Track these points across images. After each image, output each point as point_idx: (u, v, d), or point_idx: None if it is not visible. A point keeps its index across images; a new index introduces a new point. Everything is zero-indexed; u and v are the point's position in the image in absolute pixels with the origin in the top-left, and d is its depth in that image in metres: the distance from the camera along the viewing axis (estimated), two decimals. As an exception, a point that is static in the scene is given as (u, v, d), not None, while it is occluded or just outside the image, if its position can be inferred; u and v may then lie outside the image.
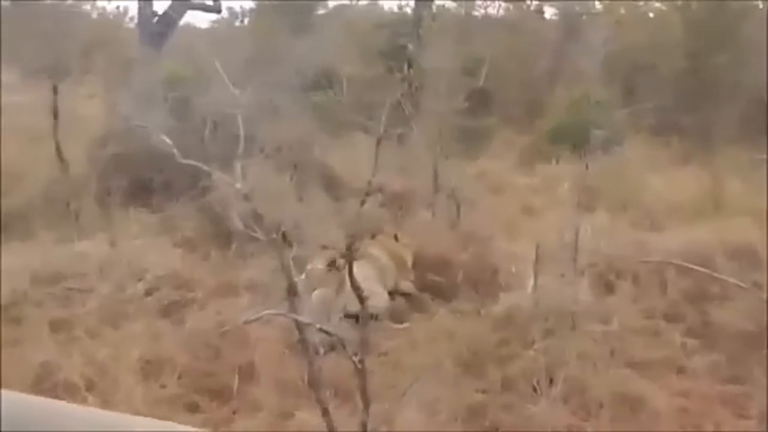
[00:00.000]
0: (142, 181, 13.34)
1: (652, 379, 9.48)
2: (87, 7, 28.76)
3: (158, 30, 19.34)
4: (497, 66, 20.80)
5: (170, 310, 10.30)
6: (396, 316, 11.10)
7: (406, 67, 14.17)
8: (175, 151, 6.90)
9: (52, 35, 15.29)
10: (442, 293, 11.59)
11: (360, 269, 11.79)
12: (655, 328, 10.84)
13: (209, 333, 9.57)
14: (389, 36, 17.79)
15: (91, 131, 14.22)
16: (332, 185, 14.36)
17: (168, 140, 6.97)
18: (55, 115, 12.77)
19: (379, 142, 8.38)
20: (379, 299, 11.10)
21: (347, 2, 29.81)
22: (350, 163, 15.87)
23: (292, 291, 6.41)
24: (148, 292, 10.55)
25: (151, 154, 13.13)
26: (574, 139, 17.86)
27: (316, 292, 11.20)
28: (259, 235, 6.27)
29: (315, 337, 6.67)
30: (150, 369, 8.52)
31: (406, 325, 10.82)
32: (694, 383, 9.63)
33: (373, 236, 12.30)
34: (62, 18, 18.60)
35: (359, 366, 6.06)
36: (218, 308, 10.36)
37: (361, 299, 6.60)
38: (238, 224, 6.78)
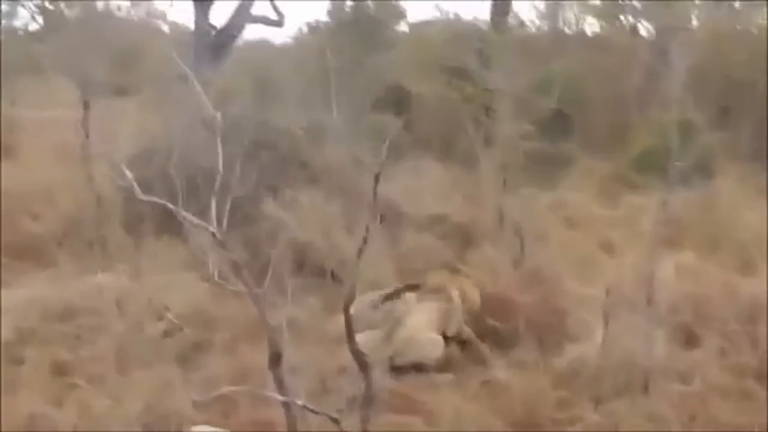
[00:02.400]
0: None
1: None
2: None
3: (215, 44, 18.73)
4: (580, 87, 19.67)
5: (188, 355, 9.51)
6: (444, 366, 10.13)
7: (468, 87, 13.17)
8: (134, 186, 6.06)
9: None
10: (501, 340, 10.57)
11: (422, 311, 10.88)
12: (744, 388, 9.68)
13: (228, 382, 8.71)
14: (458, 53, 16.84)
15: (125, 150, 13.49)
16: (388, 215, 13.42)
17: (128, 174, 6.16)
18: (87, 134, 12.12)
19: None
20: (432, 348, 10.15)
21: (431, 18, 28.75)
22: (412, 191, 14.99)
23: (274, 360, 5.52)
24: (167, 333, 9.78)
25: (189, 176, 12.44)
26: (661, 166, 16.64)
27: (361, 335, 10.31)
28: (239, 288, 5.33)
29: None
30: (151, 424, 7.67)
31: (449, 376, 9.83)
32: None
33: (454, 271, 11.43)
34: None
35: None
36: (242, 353, 9.53)
37: (363, 365, 5.66)
38: (212, 272, 5.86)
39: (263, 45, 32.54)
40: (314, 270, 12.00)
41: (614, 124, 20.52)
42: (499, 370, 9.77)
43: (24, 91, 20.79)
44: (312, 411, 5.76)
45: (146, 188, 12.58)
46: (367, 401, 5.65)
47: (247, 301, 10.94)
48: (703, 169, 16.69)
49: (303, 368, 9.21)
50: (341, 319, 10.68)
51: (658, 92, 21.12)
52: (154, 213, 12.68)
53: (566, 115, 18.52)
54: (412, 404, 8.97)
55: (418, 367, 9.88)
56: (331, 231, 12.21)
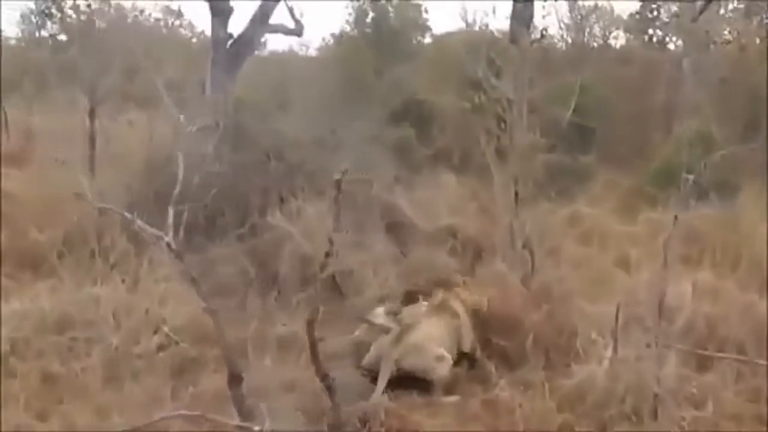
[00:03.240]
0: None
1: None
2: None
3: (233, 53, 18.49)
4: (602, 100, 19.31)
5: (183, 370, 9.21)
6: (450, 388, 9.76)
7: (479, 97, 12.82)
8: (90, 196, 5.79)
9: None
10: (507, 359, 10.19)
11: (433, 326, 10.52)
12: (759, 414, 9.26)
13: (219, 399, 8.41)
14: (473, 64, 16.49)
15: (130, 161, 13.29)
16: (397, 228, 13.11)
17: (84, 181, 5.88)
18: (92, 144, 11.90)
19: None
20: (441, 367, 9.80)
21: (456, 30, 28.36)
22: (424, 203, 14.68)
23: (233, 381, 5.21)
24: (162, 347, 9.49)
25: (194, 187, 12.21)
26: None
27: (375, 343, 10.06)
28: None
29: None
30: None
31: (455, 398, 9.48)
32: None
33: (448, 286, 11.04)
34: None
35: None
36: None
37: (328, 387, 5.32)
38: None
39: (288, 56, 32.46)
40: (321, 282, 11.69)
41: (637, 138, 20.13)
42: (503, 389, 9.37)
43: (43, 100, 20.75)
44: None
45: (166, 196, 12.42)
46: (335, 427, 5.28)
47: (249, 315, 10.74)
48: (726, 186, 16.32)
49: (297, 386, 8.99)
50: (343, 335, 10.47)
51: (683, 107, 20.72)
52: (156, 224, 12.48)
53: (587, 128, 18.14)
54: (407, 424, 8.62)
55: (424, 387, 9.54)
56: (336, 242, 11.89)
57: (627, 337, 9.88)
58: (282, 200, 12.54)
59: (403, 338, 9.87)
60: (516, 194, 12.22)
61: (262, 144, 13.26)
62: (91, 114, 11.85)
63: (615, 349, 9.43)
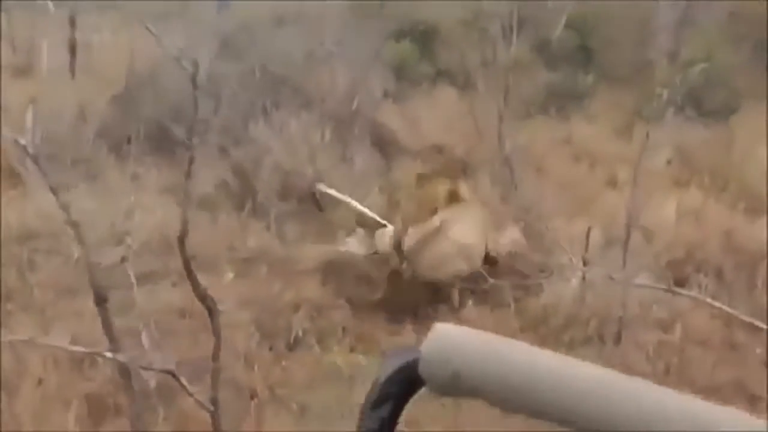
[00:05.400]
0: (165, 130, 11.53)
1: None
2: None
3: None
4: (606, 21, 18.16)
5: (144, 281, 8.53)
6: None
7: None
8: None
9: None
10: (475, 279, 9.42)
11: (465, 213, 9.62)
12: (729, 338, 8.49)
13: (176, 313, 7.77)
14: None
15: (112, 72, 12.45)
16: (383, 144, 12.28)
17: None
18: (73, 52, 11.11)
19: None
20: (474, 258, 9.08)
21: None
22: (418, 119, 13.79)
23: (99, 302, 4.48)
24: (124, 259, 8.79)
25: (178, 100, 11.44)
26: (683, 102, 15.29)
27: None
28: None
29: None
30: (65, 363, 6.71)
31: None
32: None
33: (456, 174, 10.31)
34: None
35: (210, 409, 4.09)
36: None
37: (210, 311, 4.59)
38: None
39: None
40: (300, 197, 11.01)
41: (640, 59, 19.01)
42: (469, 311, 8.65)
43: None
44: (153, 370, 4.67)
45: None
46: (216, 354, 4.55)
47: (216, 228, 10.02)
48: (723, 108, 15.34)
49: (255, 302, 8.32)
50: (316, 248, 9.75)
51: (690, 29, 19.50)
52: (142, 135, 11.76)
53: (589, 48, 17.11)
54: (366, 343, 7.95)
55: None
56: (318, 156, 11.16)
57: (604, 258, 9.12)
58: (266, 113, 11.72)
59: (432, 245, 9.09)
60: (501, 111, 11.26)
61: (248, 55, 12.39)
62: (71, 22, 11.00)
63: (582, 271, 8.63)
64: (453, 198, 9.68)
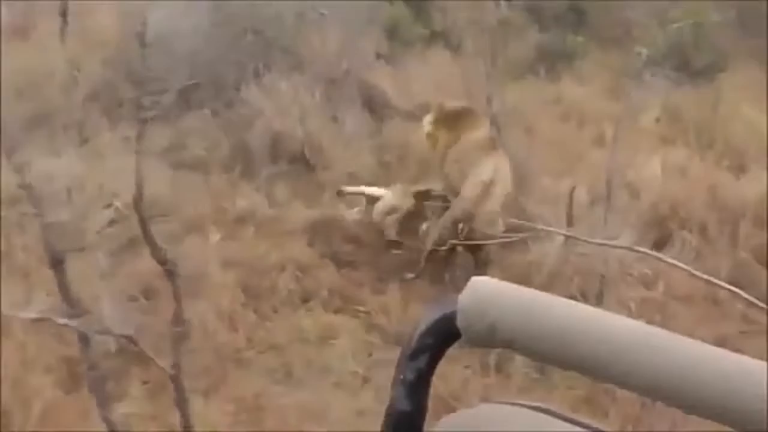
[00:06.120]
0: (156, 92, 11.33)
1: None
2: None
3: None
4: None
5: (132, 245, 8.40)
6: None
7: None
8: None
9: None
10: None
11: (501, 163, 9.24)
12: (712, 294, 8.37)
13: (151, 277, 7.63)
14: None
15: (105, 34, 12.27)
16: (374, 105, 12.10)
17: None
18: (64, 16, 10.91)
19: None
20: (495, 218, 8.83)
21: None
22: (410, 80, 13.58)
23: (57, 263, 4.35)
24: (113, 222, 8.69)
25: (168, 61, 11.26)
26: (671, 62, 15.07)
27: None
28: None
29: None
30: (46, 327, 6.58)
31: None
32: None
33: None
34: None
35: (171, 373, 3.98)
36: (187, 245, 8.43)
37: (169, 274, 4.46)
38: None
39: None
40: (291, 158, 10.85)
41: (631, 20, 18.73)
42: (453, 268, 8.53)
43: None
44: (101, 333, 4.55)
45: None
46: (178, 318, 4.42)
47: (209, 190, 9.89)
48: (715, 69, 15.17)
49: (241, 263, 8.21)
50: (303, 211, 9.60)
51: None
52: (131, 98, 11.57)
53: (580, 9, 16.86)
54: (350, 303, 7.84)
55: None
56: (308, 118, 11.00)
57: (590, 216, 8.99)
58: (257, 75, 11.54)
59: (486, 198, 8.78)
60: (488, 70, 11.05)
61: (240, 18, 12.18)
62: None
63: (567, 228, 8.47)
64: (492, 146, 9.27)
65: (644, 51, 8.35)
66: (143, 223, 4.62)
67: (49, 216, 7.88)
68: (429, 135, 9.58)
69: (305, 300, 7.89)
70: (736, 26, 16.54)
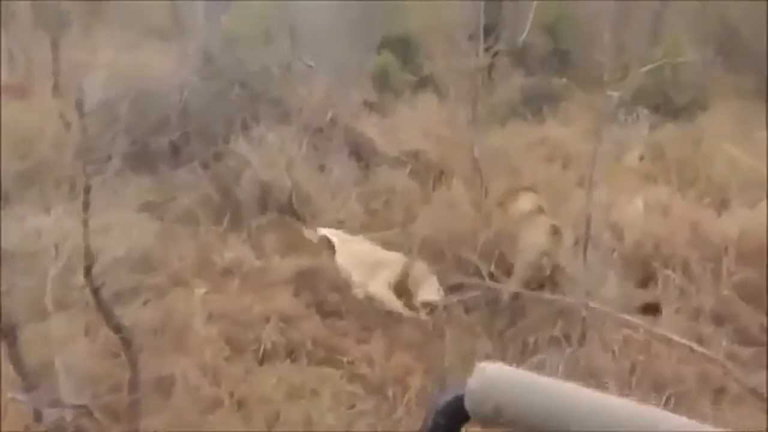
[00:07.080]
0: (146, 146, 11.21)
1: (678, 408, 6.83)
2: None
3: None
4: (578, 22, 17.83)
5: (117, 300, 8.17)
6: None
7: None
8: None
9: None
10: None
11: None
12: (696, 332, 8.15)
13: (147, 329, 7.43)
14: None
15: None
16: (361, 152, 11.95)
17: None
18: (55, 73, 10.81)
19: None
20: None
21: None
22: (397, 127, 13.44)
23: (7, 339, 4.15)
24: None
25: (158, 116, 11.17)
26: (653, 102, 15.01)
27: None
28: None
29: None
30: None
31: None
32: (736, 412, 6.97)
33: None
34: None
35: None
36: (172, 299, 8.23)
37: (125, 343, 4.26)
38: None
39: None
40: (279, 208, 10.69)
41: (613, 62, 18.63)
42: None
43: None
44: (59, 406, 4.33)
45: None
46: (133, 386, 4.22)
47: (196, 242, 9.70)
48: (697, 107, 15.10)
49: (224, 316, 8.01)
50: (290, 261, 9.41)
51: (660, 30, 19.21)
52: (121, 152, 11.43)
53: (563, 51, 16.79)
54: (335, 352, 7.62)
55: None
56: (296, 168, 10.84)
57: (574, 259, 8.81)
58: (245, 127, 11.40)
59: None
60: (473, 116, 10.93)
61: (229, 72, 12.08)
62: (53, 44, 10.70)
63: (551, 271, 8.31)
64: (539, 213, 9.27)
65: (615, 94, 8.18)
66: (95, 293, 4.41)
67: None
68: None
69: (289, 352, 7.66)
70: (717, 64, 16.47)
